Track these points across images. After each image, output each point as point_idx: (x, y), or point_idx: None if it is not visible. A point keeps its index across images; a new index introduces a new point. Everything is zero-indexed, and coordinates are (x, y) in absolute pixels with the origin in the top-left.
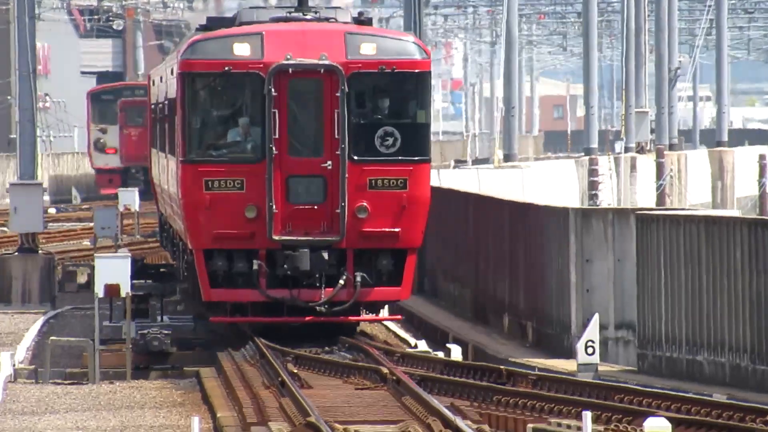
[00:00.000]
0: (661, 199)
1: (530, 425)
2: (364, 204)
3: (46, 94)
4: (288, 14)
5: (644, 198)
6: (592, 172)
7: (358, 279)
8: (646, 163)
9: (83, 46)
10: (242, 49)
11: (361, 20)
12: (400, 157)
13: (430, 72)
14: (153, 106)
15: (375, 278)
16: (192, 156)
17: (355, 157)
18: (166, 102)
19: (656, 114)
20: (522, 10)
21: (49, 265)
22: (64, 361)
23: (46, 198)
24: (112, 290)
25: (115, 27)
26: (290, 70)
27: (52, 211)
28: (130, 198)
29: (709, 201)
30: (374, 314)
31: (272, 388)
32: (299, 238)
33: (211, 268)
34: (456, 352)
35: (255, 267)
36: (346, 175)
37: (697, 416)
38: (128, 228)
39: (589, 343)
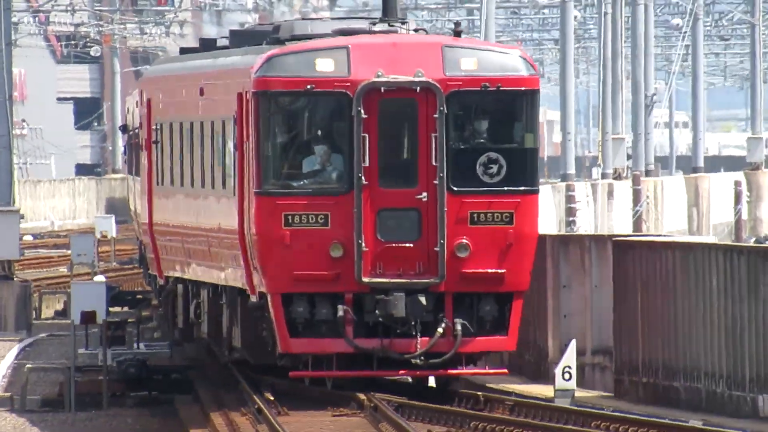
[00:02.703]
0: (637, 225)
1: None
2: (465, 241)
3: (23, 120)
4: (371, 25)
5: (621, 224)
6: (570, 199)
7: (459, 327)
8: (623, 189)
9: (60, 72)
10: (326, 65)
11: (458, 32)
12: (505, 188)
13: (538, 90)
14: (131, 132)
15: (477, 326)
16: (268, 187)
17: (455, 188)
18: (140, 128)
19: (633, 140)
20: (499, 36)
21: (25, 293)
22: (40, 388)
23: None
24: (88, 317)
25: (92, 53)
26: (382, 89)
27: (28, 238)
28: (106, 225)
29: (685, 227)
30: (473, 366)
31: (249, 416)
32: (392, 280)
33: (290, 314)
34: (432, 379)
35: (340, 313)
36: (445, 208)
37: None
38: (105, 255)
39: (567, 369)
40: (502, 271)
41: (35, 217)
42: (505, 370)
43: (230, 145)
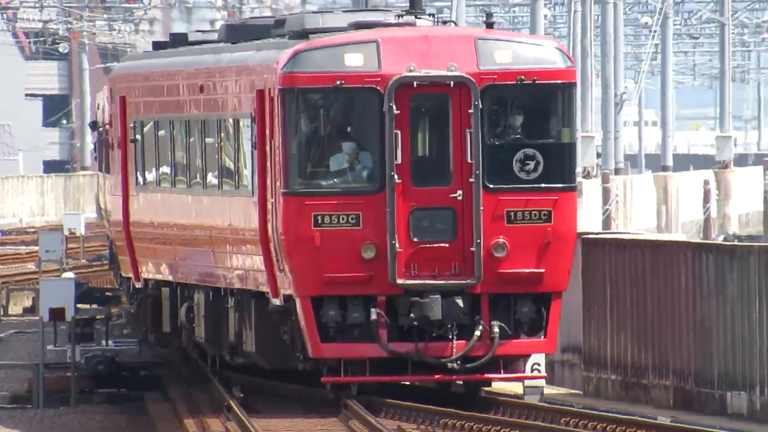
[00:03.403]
0: (607, 223)
1: None
2: (502, 240)
3: None
4: (398, 17)
5: (590, 222)
6: None
7: (496, 329)
8: (592, 187)
9: (28, 69)
10: (355, 60)
11: (490, 23)
12: (543, 185)
13: (575, 83)
14: (101, 129)
15: (513, 328)
16: (296, 187)
17: (490, 185)
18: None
19: (602, 138)
20: None
21: None
22: (8, 385)
23: None
24: (56, 314)
25: (60, 50)
26: (414, 84)
27: None
28: (75, 222)
29: (654, 226)
30: (509, 370)
31: (219, 413)
32: (427, 281)
33: (320, 318)
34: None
35: (373, 317)
36: (481, 207)
37: None
38: (73, 252)
39: (535, 366)
40: (541, 271)
41: (3, 213)
42: (546, 374)
43: (245, 144)
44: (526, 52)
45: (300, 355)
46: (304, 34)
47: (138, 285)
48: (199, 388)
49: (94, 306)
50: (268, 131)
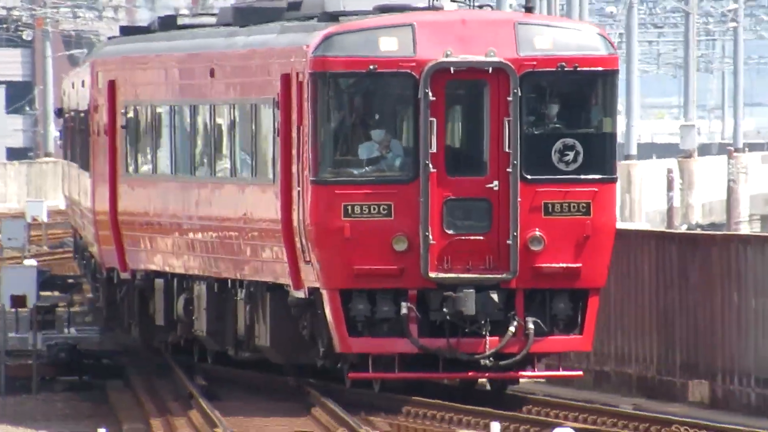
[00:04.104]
0: None
1: None
2: (539, 233)
3: None
4: (433, 2)
5: None
6: None
7: (531, 326)
8: None
9: None
10: (390, 44)
11: (529, 7)
12: (582, 176)
13: (618, 71)
14: (68, 116)
15: (549, 324)
16: (326, 175)
17: (528, 176)
18: (87, 111)
19: None
20: None
21: None
22: None
23: None
24: (18, 301)
25: (24, 37)
26: (451, 70)
27: None
28: (37, 209)
29: (618, 214)
30: (545, 369)
31: (181, 401)
32: (461, 275)
33: (349, 312)
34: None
35: (404, 311)
36: (518, 198)
37: (603, 426)
38: (36, 239)
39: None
40: (578, 265)
41: None
42: (581, 373)
43: (264, 130)
44: (567, 37)
45: (322, 350)
46: (334, 17)
47: (124, 275)
48: (161, 376)
49: (56, 293)
50: (295, 116)
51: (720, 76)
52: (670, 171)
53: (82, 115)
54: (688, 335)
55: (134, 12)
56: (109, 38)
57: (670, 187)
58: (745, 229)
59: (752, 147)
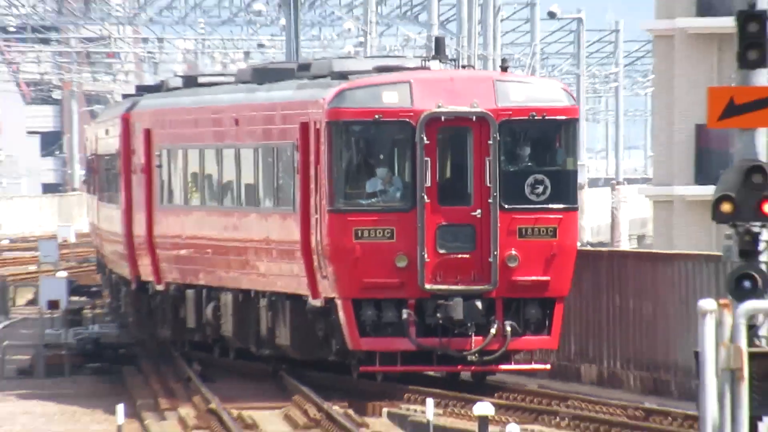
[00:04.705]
0: None
1: (385, 409)
2: (514, 252)
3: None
4: (424, 61)
5: None
6: None
7: (508, 328)
8: None
9: (28, 111)
10: (391, 97)
11: (505, 67)
12: (550, 205)
13: (578, 118)
14: (94, 157)
15: (523, 327)
16: (340, 205)
17: (505, 206)
18: (117, 155)
19: None
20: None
21: (2, 285)
22: (15, 360)
23: None
24: (53, 304)
25: (54, 96)
26: (442, 118)
27: (5, 242)
28: (66, 232)
29: None
30: (514, 363)
31: (182, 382)
32: (451, 287)
33: (359, 317)
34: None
35: (404, 316)
36: (498, 224)
37: (515, 402)
38: (66, 256)
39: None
40: (547, 278)
41: (10, 225)
42: (548, 366)
43: (285, 168)
44: (537, 91)
45: (336, 348)
46: (343, 75)
47: (159, 287)
48: (166, 363)
49: (83, 298)
50: (312, 157)
51: (605, 124)
52: None
53: (107, 158)
54: (581, 329)
55: (142, 76)
56: (124, 96)
57: None
58: (625, 246)
59: (630, 181)
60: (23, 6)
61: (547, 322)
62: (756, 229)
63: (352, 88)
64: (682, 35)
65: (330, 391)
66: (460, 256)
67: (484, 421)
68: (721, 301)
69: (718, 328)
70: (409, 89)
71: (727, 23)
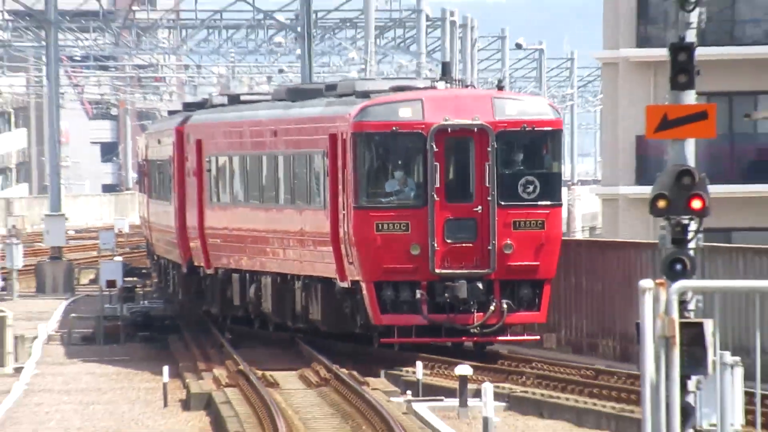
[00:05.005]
0: None
1: (382, 370)
2: (509, 242)
3: (67, 157)
4: (433, 83)
5: None
6: None
7: (505, 305)
8: None
9: (91, 125)
10: (406, 112)
11: (501, 86)
12: (539, 202)
13: (562, 129)
14: (146, 162)
15: (517, 304)
16: (363, 203)
17: (502, 203)
18: (170, 161)
19: None
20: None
21: (69, 268)
22: (80, 329)
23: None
24: (111, 284)
25: (112, 112)
26: (449, 130)
27: (71, 232)
28: (122, 224)
29: None
30: (510, 335)
31: (216, 348)
32: (457, 271)
33: (380, 297)
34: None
35: (418, 296)
36: (495, 218)
37: (490, 364)
38: (121, 243)
39: None
40: (537, 263)
41: (76, 219)
42: (538, 337)
43: (316, 171)
44: (527, 106)
45: (360, 323)
46: (366, 94)
47: (209, 271)
48: (204, 332)
49: (135, 279)
50: (340, 163)
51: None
52: None
53: (159, 163)
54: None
55: (183, 96)
56: (170, 112)
57: None
58: (579, 236)
59: (583, 182)
60: (87, 39)
61: (537, 300)
62: (685, 222)
63: (374, 104)
64: (625, 63)
65: (340, 357)
66: (464, 245)
67: (463, 380)
68: (658, 281)
69: (655, 303)
70: (421, 105)
71: (661, 53)
